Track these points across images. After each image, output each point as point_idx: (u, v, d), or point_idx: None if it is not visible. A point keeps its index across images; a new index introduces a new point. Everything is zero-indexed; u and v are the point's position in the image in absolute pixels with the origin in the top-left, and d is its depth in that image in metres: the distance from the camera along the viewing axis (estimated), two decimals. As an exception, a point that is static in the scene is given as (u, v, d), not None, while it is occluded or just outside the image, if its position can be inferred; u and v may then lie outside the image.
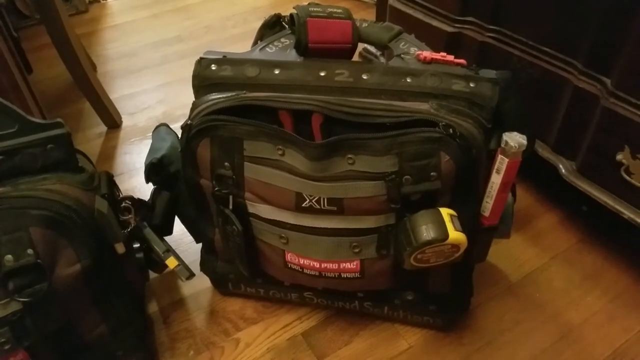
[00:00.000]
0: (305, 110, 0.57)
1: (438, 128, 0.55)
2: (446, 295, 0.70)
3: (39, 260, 0.54)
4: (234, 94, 0.60)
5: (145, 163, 0.70)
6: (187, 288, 0.84)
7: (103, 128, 1.23)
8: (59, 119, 0.58)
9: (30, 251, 0.53)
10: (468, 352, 0.74)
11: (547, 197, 0.98)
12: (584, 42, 0.73)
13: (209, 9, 1.79)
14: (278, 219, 0.64)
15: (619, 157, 0.72)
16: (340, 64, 0.60)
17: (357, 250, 0.63)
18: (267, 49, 0.66)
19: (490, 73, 0.61)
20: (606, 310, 0.79)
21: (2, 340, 0.54)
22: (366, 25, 0.68)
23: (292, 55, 0.64)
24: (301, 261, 0.65)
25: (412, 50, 0.65)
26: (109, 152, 1.15)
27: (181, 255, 0.69)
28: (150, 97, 1.34)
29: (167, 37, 1.63)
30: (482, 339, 0.75)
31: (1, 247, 0.53)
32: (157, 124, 0.77)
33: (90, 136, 1.20)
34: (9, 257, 0.53)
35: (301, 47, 0.62)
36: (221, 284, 0.80)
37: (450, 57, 0.63)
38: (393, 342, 0.75)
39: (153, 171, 0.69)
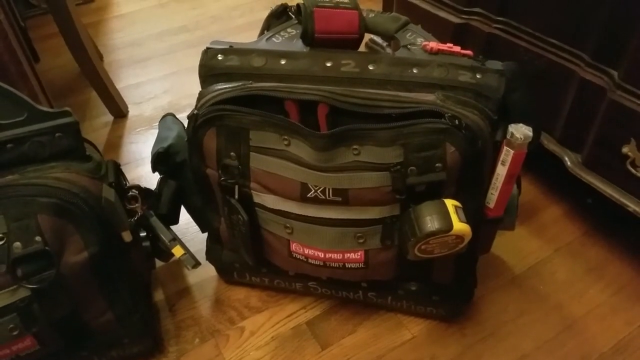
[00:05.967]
0: (311, 100, 0.57)
1: (444, 119, 0.55)
2: (450, 286, 0.71)
3: (47, 248, 0.54)
4: (240, 84, 0.60)
5: (151, 152, 0.70)
6: (193, 277, 0.84)
7: (109, 117, 1.23)
8: (67, 108, 0.59)
9: (38, 238, 0.54)
10: (471, 343, 0.74)
11: (552, 189, 0.98)
12: (592, 34, 0.73)
13: (215, -1, 1.79)
14: (283, 209, 0.64)
15: (625, 149, 0.72)
16: (346, 55, 0.60)
17: (361, 240, 0.63)
18: (274, 39, 0.66)
19: (497, 64, 0.60)
20: (609, 303, 0.79)
21: (11, 326, 0.55)
22: (373, 15, 0.68)
23: (298, 46, 0.64)
24: (306, 251, 0.66)
25: (419, 41, 0.65)
26: (115, 142, 1.16)
27: (187, 244, 0.70)
28: (156, 87, 1.34)
29: (173, 27, 1.63)
30: (485, 329, 0.76)
31: (10, 234, 0.53)
32: (163, 113, 0.77)
33: (97, 125, 1.21)
34: (17, 244, 0.53)
35: (307, 37, 0.62)
36: (226, 273, 0.80)
37: (457, 48, 0.62)
38: (396, 332, 0.76)
39: (159, 160, 0.70)
